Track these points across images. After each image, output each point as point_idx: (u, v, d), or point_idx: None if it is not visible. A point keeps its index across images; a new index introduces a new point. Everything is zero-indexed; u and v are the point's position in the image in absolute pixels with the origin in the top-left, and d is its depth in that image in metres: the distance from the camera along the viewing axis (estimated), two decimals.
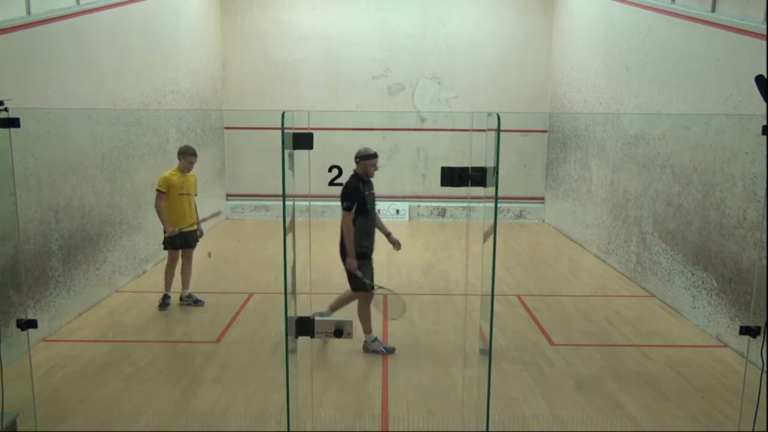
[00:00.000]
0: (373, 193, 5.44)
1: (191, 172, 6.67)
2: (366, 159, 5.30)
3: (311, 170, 3.02)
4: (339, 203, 5.86)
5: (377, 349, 5.42)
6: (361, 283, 5.33)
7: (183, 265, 6.75)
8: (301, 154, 2.70)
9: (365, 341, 5.48)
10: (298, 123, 2.75)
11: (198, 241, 6.83)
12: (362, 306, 5.44)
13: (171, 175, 6.49)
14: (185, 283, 6.79)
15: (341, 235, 5.35)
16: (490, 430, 2.84)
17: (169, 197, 6.44)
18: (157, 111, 8.59)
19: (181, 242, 6.58)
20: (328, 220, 11.34)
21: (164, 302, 6.64)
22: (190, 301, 6.75)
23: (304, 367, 3.38)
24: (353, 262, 5.28)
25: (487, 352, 5.11)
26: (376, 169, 5.39)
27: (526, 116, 12.04)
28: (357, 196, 5.23)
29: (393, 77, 11.97)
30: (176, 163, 6.66)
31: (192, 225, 6.65)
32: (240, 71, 11.90)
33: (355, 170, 5.32)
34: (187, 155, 6.57)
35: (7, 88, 5.12)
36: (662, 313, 6.70)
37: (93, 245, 6.66)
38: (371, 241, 5.46)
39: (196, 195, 6.75)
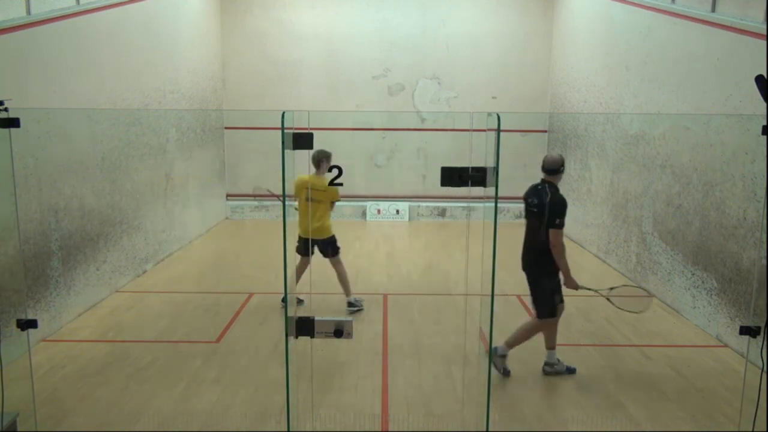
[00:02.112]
0: None
1: (323, 178, 6.14)
2: (564, 167, 4.87)
3: (311, 170, 3.01)
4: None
5: (560, 371, 5.00)
6: (552, 308, 4.91)
7: (337, 273, 6.48)
8: (301, 154, 2.70)
9: (546, 362, 5.01)
10: (298, 123, 2.75)
11: (333, 248, 6.39)
12: (531, 329, 5.01)
13: (301, 178, 6.15)
14: (345, 291, 6.54)
15: (528, 249, 5.01)
16: (490, 430, 2.84)
17: (298, 202, 6.30)
18: (157, 111, 8.59)
19: (306, 249, 6.37)
20: None
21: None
22: (353, 309, 6.45)
23: (304, 367, 3.38)
24: (574, 282, 4.82)
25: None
26: None
27: (526, 116, 12.03)
28: (566, 211, 4.77)
29: (393, 77, 11.96)
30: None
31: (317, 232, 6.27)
32: (240, 71, 11.89)
33: (553, 182, 4.82)
34: (330, 158, 6.07)
35: (7, 88, 5.13)
36: (662, 313, 6.70)
37: (93, 245, 6.66)
38: None
39: (337, 200, 6.30)
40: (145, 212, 8.09)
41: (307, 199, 6.18)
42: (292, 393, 2.75)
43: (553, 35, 11.74)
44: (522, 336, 4.99)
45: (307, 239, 6.34)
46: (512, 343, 4.98)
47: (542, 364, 5.11)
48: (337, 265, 6.47)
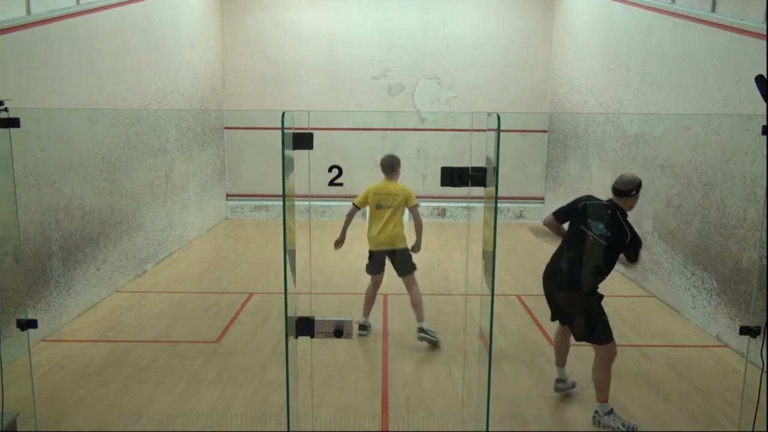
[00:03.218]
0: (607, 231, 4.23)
1: (395, 182, 5.90)
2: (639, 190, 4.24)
3: (311, 170, 3.02)
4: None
5: (613, 426, 4.16)
6: (606, 331, 4.20)
7: (410, 295, 5.79)
8: (301, 154, 2.70)
9: (597, 411, 4.25)
10: (298, 123, 2.75)
11: (408, 264, 5.75)
12: (605, 365, 4.21)
13: (370, 188, 5.84)
14: (418, 316, 5.72)
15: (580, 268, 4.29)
16: (490, 430, 2.83)
17: (369, 211, 5.76)
18: (157, 111, 8.59)
19: (377, 266, 5.82)
20: (328, 221, 11.36)
21: (361, 327, 5.85)
22: (425, 336, 5.61)
23: (304, 367, 3.38)
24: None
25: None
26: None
27: (526, 116, 12.04)
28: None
29: (393, 77, 11.96)
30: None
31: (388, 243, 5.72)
32: (240, 71, 11.89)
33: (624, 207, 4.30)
34: (399, 163, 5.92)
35: (7, 88, 5.13)
36: (662, 313, 6.70)
37: (93, 245, 6.66)
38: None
39: (413, 205, 5.84)
40: (145, 212, 8.09)
41: (377, 207, 5.74)
42: (292, 393, 2.75)
43: (553, 35, 11.74)
44: (605, 382, 4.24)
45: (377, 252, 5.79)
46: (605, 396, 4.25)
47: (544, 363, 5.11)
48: (412, 286, 5.75)
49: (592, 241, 4.23)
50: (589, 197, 4.42)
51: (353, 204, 5.84)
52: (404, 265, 5.74)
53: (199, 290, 7.42)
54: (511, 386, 4.84)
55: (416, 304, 5.73)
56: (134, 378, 4.92)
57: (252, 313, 6.56)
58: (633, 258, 4.28)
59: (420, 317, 5.70)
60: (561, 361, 4.72)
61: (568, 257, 4.34)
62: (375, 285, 5.92)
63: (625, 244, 4.22)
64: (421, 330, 5.64)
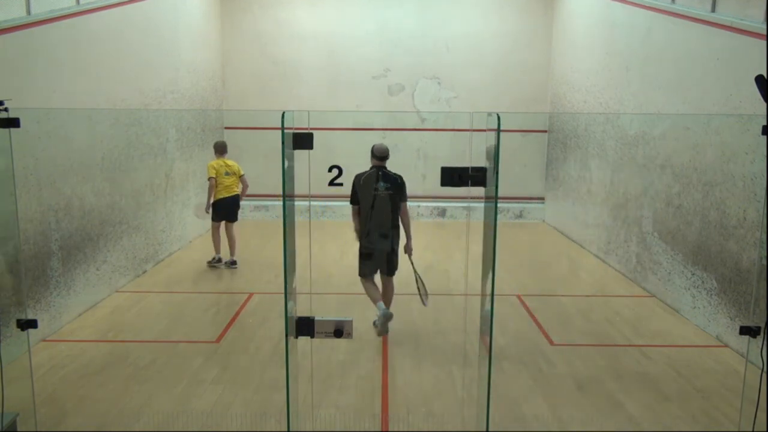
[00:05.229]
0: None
1: (229, 160, 8.39)
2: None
3: (311, 170, 3.02)
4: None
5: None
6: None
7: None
8: (301, 154, 2.70)
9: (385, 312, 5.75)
10: (298, 123, 2.75)
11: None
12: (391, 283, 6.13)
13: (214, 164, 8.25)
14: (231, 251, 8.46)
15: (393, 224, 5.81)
16: (490, 430, 2.84)
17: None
18: (157, 111, 8.59)
19: (229, 210, 8.40)
20: (328, 221, 11.36)
21: (217, 261, 8.48)
22: (217, 266, 8.41)
23: (304, 367, 3.38)
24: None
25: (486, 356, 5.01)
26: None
27: (526, 116, 12.04)
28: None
29: (393, 77, 11.96)
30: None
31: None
32: (240, 71, 11.89)
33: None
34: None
35: (7, 88, 5.12)
36: (662, 313, 6.70)
37: (93, 245, 6.66)
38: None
39: (243, 174, 8.54)
40: (145, 212, 8.09)
41: (226, 174, 8.20)
42: (292, 393, 2.75)
43: (553, 35, 11.74)
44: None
45: (226, 200, 8.28)
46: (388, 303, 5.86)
47: (544, 363, 5.12)
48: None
49: (384, 196, 5.67)
50: (359, 175, 5.73)
51: (212, 177, 8.09)
52: (237, 210, 8.46)
53: (199, 290, 7.42)
54: (511, 386, 4.85)
55: (234, 239, 8.40)
56: (134, 378, 4.92)
57: (252, 313, 6.56)
58: (405, 197, 5.82)
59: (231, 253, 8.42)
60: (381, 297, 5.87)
61: (379, 220, 5.67)
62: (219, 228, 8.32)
63: (401, 189, 5.76)
64: (216, 260, 8.42)
